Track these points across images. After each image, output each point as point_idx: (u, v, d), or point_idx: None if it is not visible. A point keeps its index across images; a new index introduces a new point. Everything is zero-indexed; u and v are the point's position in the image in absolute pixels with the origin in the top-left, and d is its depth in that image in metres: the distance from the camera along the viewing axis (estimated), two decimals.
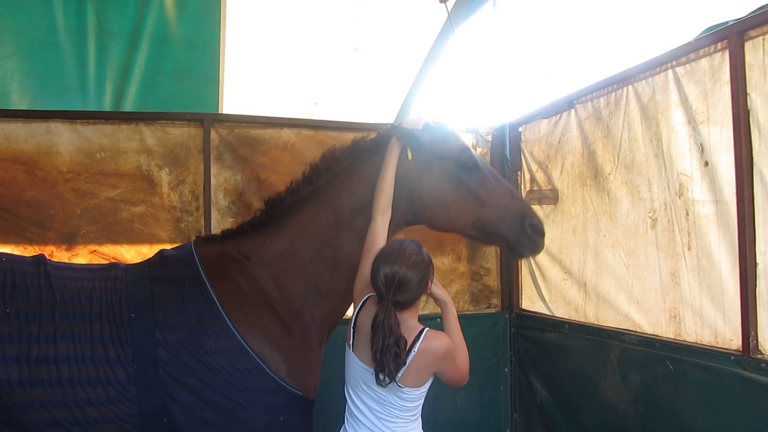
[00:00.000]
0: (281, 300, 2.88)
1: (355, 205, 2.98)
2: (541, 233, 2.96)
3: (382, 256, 2.56)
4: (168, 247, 3.31)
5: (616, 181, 3.83)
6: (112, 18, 4.67)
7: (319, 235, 3.00)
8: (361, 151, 3.10)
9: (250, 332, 2.71)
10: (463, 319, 4.55)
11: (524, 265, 4.87)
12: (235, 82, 5.14)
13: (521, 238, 2.94)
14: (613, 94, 3.84)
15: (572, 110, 4.25)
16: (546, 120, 4.56)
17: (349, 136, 4.36)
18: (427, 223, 3.05)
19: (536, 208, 4.70)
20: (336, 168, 3.08)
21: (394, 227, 3.01)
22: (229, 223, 4.27)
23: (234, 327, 2.69)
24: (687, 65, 3.30)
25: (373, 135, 3.17)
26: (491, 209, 2.92)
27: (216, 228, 4.22)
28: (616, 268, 3.85)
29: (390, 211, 2.90)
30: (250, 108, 5.17)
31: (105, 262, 3.60)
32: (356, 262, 2.89)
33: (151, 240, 4.19)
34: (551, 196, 4.51)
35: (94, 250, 4.11)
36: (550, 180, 4.55)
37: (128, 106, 5.13)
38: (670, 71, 3.40)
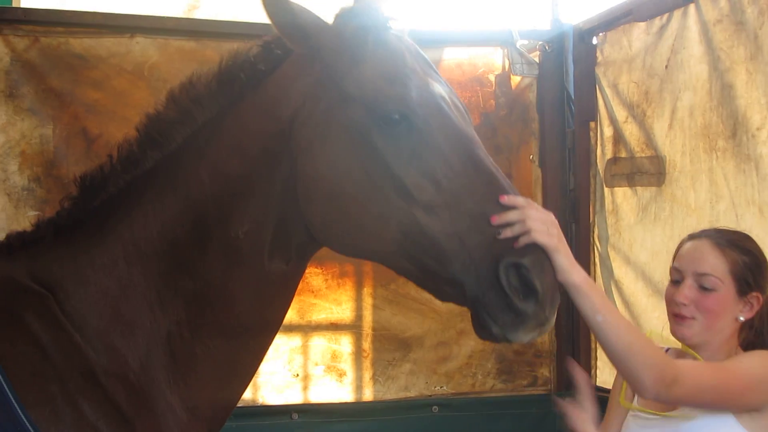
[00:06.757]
0: (112, 367, 2.44)
1: (231, 190, 2.40)
2: (535, 292, 1.94)
3: None
4: None
5: None
6: None
7: (167, 250, 2.44)
8: (241, 80, 2.44)
9: None
10: (486, 405, 4.30)
11: None
12: None
13: (490, 294, 1.99)
14: None
15: (690, 5, 3.81)
16: (642, 25, 4.06)
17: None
18: (320, 238, 2.38)
19: (625, 190, 4.21)
20: (198, 116, 2.47)
21: (255, 253, 2.34)
22: (27, 219, 3.63)
23: (29, 423, 2.22)
24: None
25: (257, 45, 2.48)
26: (436, 215, 2.13)
27: (2, 228, 3.77)
28: None
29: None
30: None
31: None
32: (244, 308, 2.39)
33: None
34: (652, 171, 4.05)
35: None
36: (649, 139, 4.06)
37: None
38: None
